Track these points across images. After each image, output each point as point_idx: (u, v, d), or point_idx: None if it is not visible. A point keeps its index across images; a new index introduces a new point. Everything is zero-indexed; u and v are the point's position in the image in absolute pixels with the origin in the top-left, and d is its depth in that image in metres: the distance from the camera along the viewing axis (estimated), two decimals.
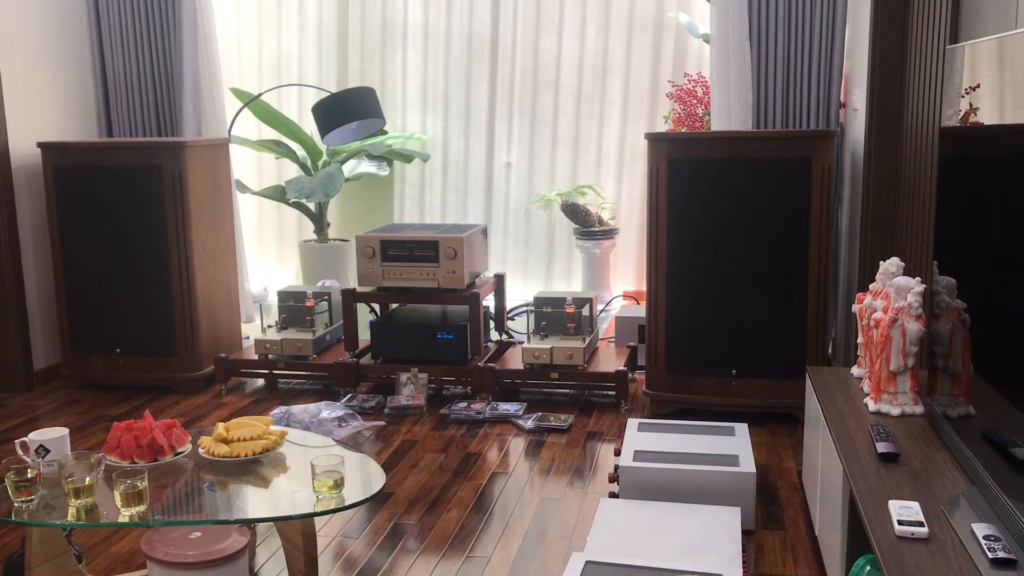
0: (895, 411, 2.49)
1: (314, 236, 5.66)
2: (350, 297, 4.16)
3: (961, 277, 2.28)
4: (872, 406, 2.54)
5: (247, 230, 5.86)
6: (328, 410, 3.76)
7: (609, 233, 5.46)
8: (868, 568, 2.02)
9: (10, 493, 2.15)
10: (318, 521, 2.89)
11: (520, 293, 5.57)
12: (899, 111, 3.41)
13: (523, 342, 4.29)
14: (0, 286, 4.25)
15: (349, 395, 4.12)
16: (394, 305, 4.54)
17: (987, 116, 2.16)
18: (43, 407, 4.15)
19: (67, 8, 4.66)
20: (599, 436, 3.66)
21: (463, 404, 3.94)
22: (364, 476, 2.31)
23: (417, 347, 4.14)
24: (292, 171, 5.73)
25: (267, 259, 6.12)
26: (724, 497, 2.81)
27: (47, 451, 2.32)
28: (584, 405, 4.04)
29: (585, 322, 4.15)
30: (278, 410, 3.77)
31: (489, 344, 4.38)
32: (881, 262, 2.70)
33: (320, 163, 5.56)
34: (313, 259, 5.49)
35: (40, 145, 4.28)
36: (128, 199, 4.22)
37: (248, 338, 4.84)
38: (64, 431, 2.37)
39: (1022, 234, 1.88)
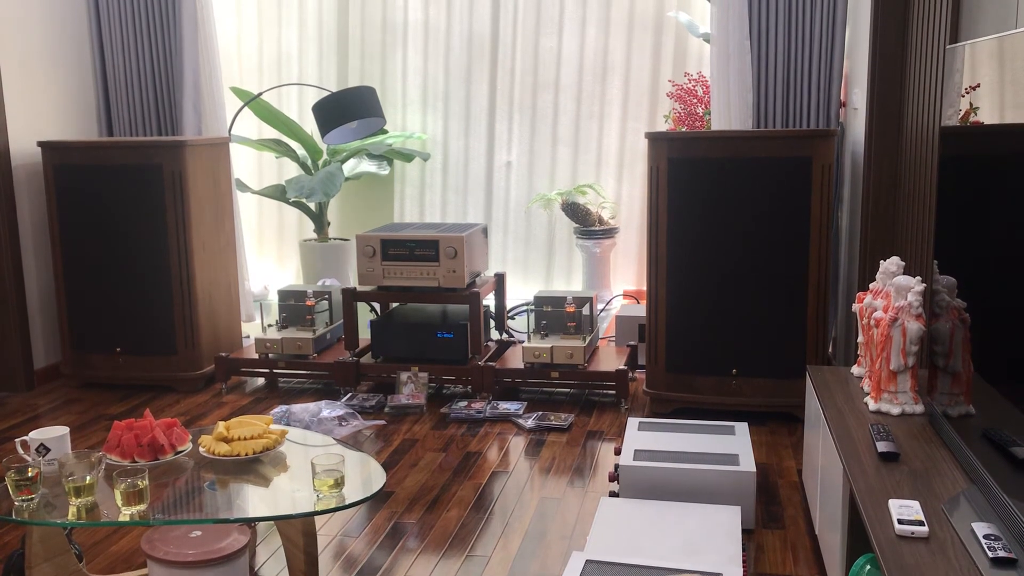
0: (895, 410, 2.49)
1: (314, 235, 5.67)
2: (350, 296, 4.16)
3: (961, 276, 2.28)
4: (872, 405, 2.54)
5: (247, 229, 5.86)
6: (328, 409, 3.76)
7: (609, 232, 5.47)
8: (868, 567, 2.02)
9: (11, 492, 2.15)
10: (318, 520, 2.89)
11: (520, 292, 5.57)
12: (899, 111, 3.41)
13: (523, 341, 4.29)
14: (0, 285, 4.25)
15: (349, 394, 4.12)
16: (394, 304, 4.54)
17: (987, 116, 2.16)
18: (43, 406, 4.16)
19: (67, 7, 4.66)
20: (599, 435, 3.67)
21: (463, 403, 3.94)
22: (364, 475, 2.31)
23: (417, 346, 4.14)
24: (292, 170, 5.73)
25: (267, 258, 6.12)
26: (724, 496, 2.81)
27: (47, 450, 2.32)
28: (584, 404, 4.04)
29: (585, 321, 4.15)
30: (278, 409, 3.78)
31: (489, 343, 4.38)
32: (881, 261, 2.70)
33: (320, 162, 5.56)
34: (313, 258, 5.49)
35: (40, 144, 4.28)
36: (128, 198, 4.22)
37: (248, 337, 4.84)
38: (64, 430, 2.37)
39: (1022, 234, 1.88)
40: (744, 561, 2.43)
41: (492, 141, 5.68)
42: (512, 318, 4.83)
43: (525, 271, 5.76)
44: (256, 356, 4.28)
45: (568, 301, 4.13)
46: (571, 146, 5.61)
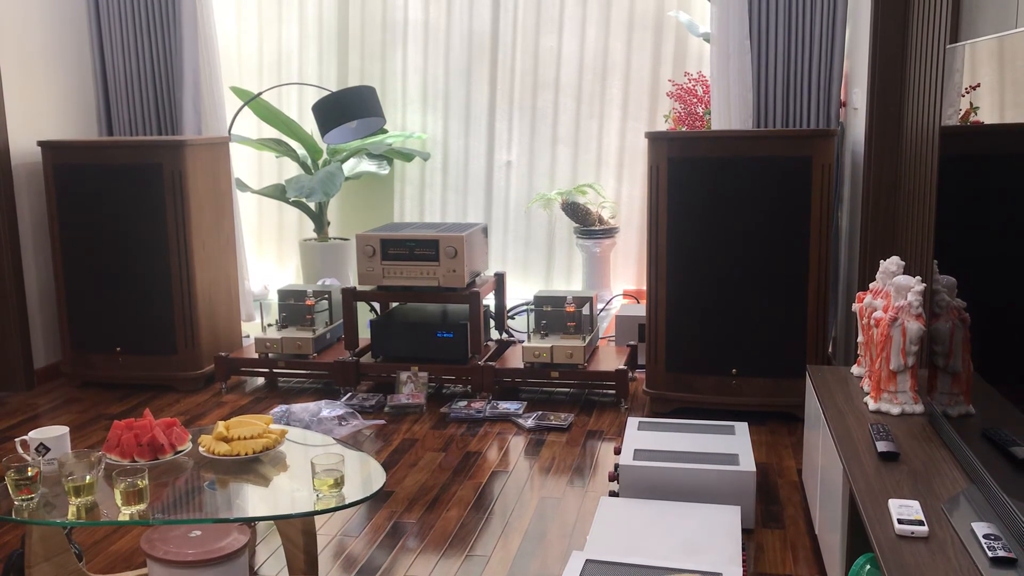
0: (895, 410, 2.49)
1: (314, 235, 5.67)
2: (350, 296, 4.16)
3: (961, 276, 2.28)
4: (872, 405, 2.54)
5: (247, 229, 5.86)
6: (328, 409, 3.76)
7: (609, 232, 5.47)
8: (868, 567, 2.02)
9: (10, 491, 2.15)
10: (318, 520, 2.89)
11: (520, 292, 5.57)
12: (899, 110, 3.41)
13: (523, 341, 4.29)
14: (0, 284, 4.25)
15: (349, 394, 4.12)
16: (394, 304, 4.54)
17: (987, 115, 2.16)
18: (43, 405, 4.15)
19: (67, 7, 4.66)
20: (599, 435, 3.67)
21: (463, 403, 3.94)
22: (364, 475, 2.31)
23: (417, 346, 4.14)
24: (292, 170, 5.73)
25: (267, 258, 6.12)
26: (724, 496, 2.81)
27: (47, 449, 2.32)
28: (584, 404, 4.04)
29: (585, 321, 4.15)
30: (278, 409, 3.78)
31: (489, 343, 4.38)
32: (881, 261, 2.70)
33: (320, 162, 5.56)
34: (313, 258, 5.49)
35: (40, 144, 4.28)
36: (128, 198, 4.22)
37: (248, 337, 4.84)
38: (64, 429, 2.37)
39: (1022, 233, 1.88)
40: (744, 561, 2.43)
41: (492, 141, 5.68)
42: (512, 318, 4.83)
43: (525, 271, 5.76)
44: (256, 356, 4.28)
45: (568, 301, 4.13)
46: (571, 146, 5.61)
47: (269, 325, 4.40)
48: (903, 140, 3.35)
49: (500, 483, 3.22)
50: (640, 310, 4.49)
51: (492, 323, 4.47)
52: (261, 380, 4.46)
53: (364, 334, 4.37)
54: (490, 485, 3.21)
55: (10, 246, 4.27)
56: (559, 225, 5.67)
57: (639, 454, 2.93)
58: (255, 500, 2.24)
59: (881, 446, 2.22)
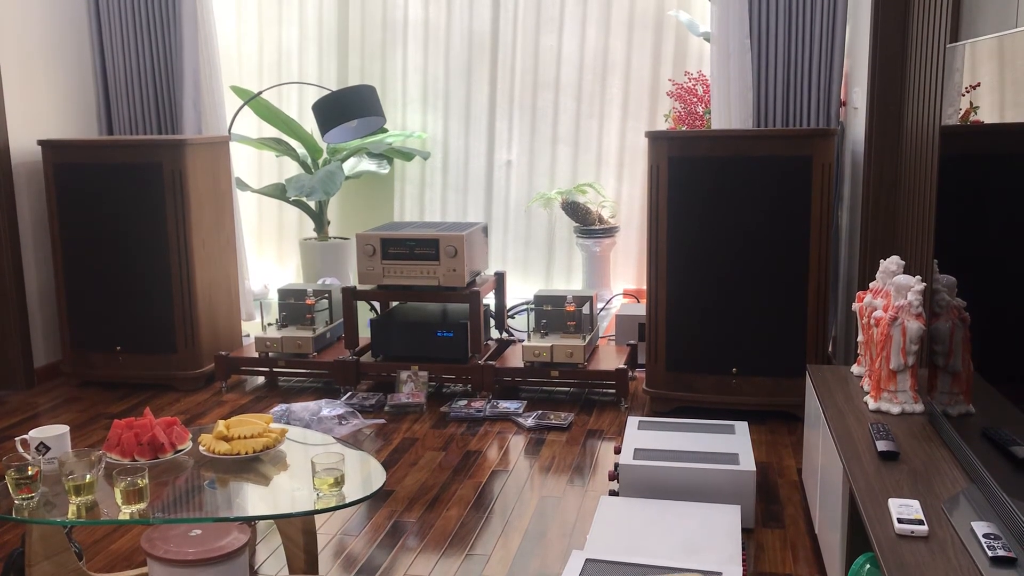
0: (895, 409, 2.50)
1: (314, 234, 5.67)
2: (350, 295, 4.16)
3: (961, 275, 2.28)
4: (872, 404, 2.54)
5: (247, 228, 5.86)
6: (328, 408, 3.76)
7: (609, 231, 5.47)
8: (868, 566, 2.02)
9: (10, 490, 2.15)
10: (318, 519, 2.90)
11: (520, 291, 5.57)
12: (899, 110, 3.41)
13: (523, 340, 4.29)
14: (0, 283, 4.25)
15: (349, 393, 4.12)
16: (394, 303, 4.54)
17: (987, 115, 2.16)
18: (43, 405, 4.16)
19: (67, 6, 4.66)
20: (599, 434, 3.67)
21: (463, 402, 3.94)
22: (364, 474, 2.31)
23: (417, 345, 4.14)
24: (292, 169, 5.73)
25: (267, 257, 6.12)
26: (724, 495, 2.81)
27: (47, 448, 2.32)
28: (584, 403, 4.04)
29: (585, 320, 4.15)
30: (278, 408, 3.78)
31: (489, 342, 4.38)
32: (881, 260, 2.70)
33: (320, 161, 5.56)
34: (313, 257, 5.49)
35: (40, 143, 4.28)
36: (128, 197, 4.22)
37: (248, 336, 4.84)
38: (64, 428, 2.37)
39: (1022, 233, 1.88)
40: (744, 560, 2.43)
41: (492, 140, 5.68)
42: (512, 317, 4.83)
43: (525, 270, 5.76)
44: (256, 355, 4.28)
45: (568, 300, 4.13)
46: (571, 145, 5.61)
47: (269, 324, 4.40)
48: (903, 139, 3.35)
49: (500, 482, 3.22)
50: (640, 309, 4.49)
51: (492, 322, 4.47)
52: (261, 379, 4.46)
53: (364, 333, 4.37)
54: (490, 484, 3.21)
55: (10, 245, 4.27)
56: (559, 224, 5.67)
57: (639, 453, 2.93)
58: (255, 499, 2.24)
59: (881, 445, 2.22)
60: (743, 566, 2.34)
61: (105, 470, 2.24)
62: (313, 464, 2.19)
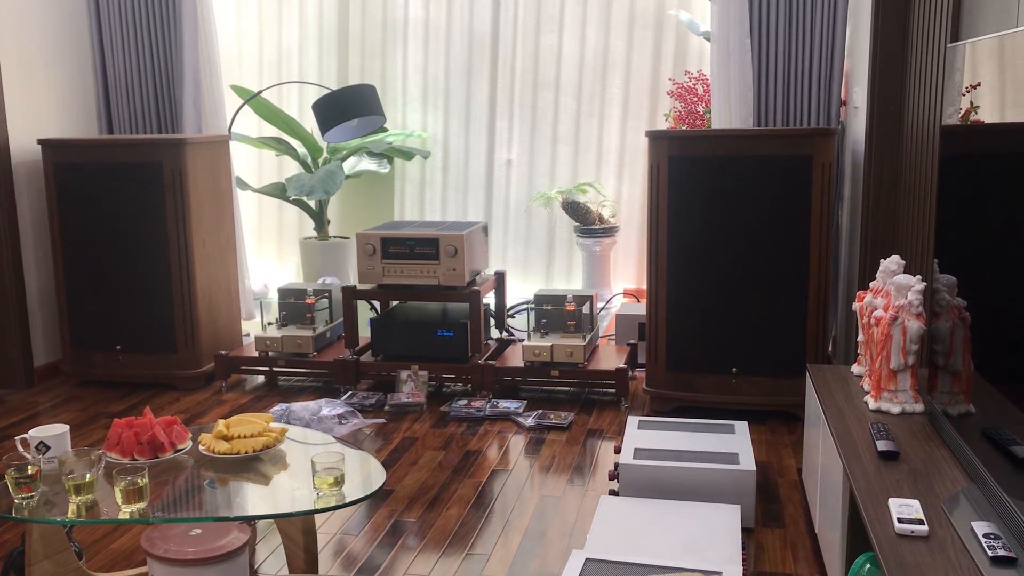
0: (895, 409, 2.49)
1: (314, 233, 5.67)
2: (350, 294, 4.16)
3: (961, 275, 2.28)
4: (872, 404, 2.54)
5: (247, 227, 5.86)
6: (328, 407, 3.76)
7: (609, 231, 5.47)
8: (868, 566, 2.02)
9: (10, 490, 2.15)
10: (318, 518, 2.90)
11: (520, 291, 5.57)
12: (900, 109, 3.41)
13: (523, 340, 4.29)
14: (0, 283, 4.25)
15: (349, 392, 4.12)
16: (394, 302, 4.54)
17: (988, 114, 2.16)
18: (43, 404, 4.16)
19: (67, 5, 4.66)
20: (599, 434, 3.67)
21: (463, 401, 3.94)
22: (364, 473, 2.31)
23: (417, 344, 4.14)
24: (292, 168, 5.73)
25: (267, 256, 6.12)
26: (724, 495, 2.81)
27: (47, 448, 2.32)
28: (584, 403, 4.04)
29: (585, 320, 4.15)
30: (278, 407, 3.78)
31: (489, 342, 4.38)
32: (882, 260, 2.70)
33: (320, 160, 5.56)
34: (313, 256, 5.49)
35: (40, 142, 4.28)
36: (128, 196, 4.22)
37: (248, 335, 4.84)
38: (64, 428, 2.37)
39: (1022, 233, 1.88)
40: (744, 560, 2.43)
41: (492, 139, 5.68)
42: (512, 316, 4.83)
43: (525, 269, 5.76)
44: (256, 354, 4.28)
45: (568, 299, 4.13)
46: (571, 144, 5.61)
47: (269, 323, 4.40)
48: (903, 139, 3.35)
49: (500, 482, 3.22)
50: (640, 309, 4.49)
51: (492, 322, 4.47)
52: (261, 378, 4.46)
53: (364, 333, 4.37)
54: (490, 484, 3.21)
55: (10, 244, 4.27)
56: (559, 224, 5.67)
57: (639, 453, 2.93)
58: (255, 499, 2.24)
59: (881, 445, 2.22)
60: (743, 566, 2.34)
61: (105, 469, 2.24)
62: (313, 464, 2.19)
